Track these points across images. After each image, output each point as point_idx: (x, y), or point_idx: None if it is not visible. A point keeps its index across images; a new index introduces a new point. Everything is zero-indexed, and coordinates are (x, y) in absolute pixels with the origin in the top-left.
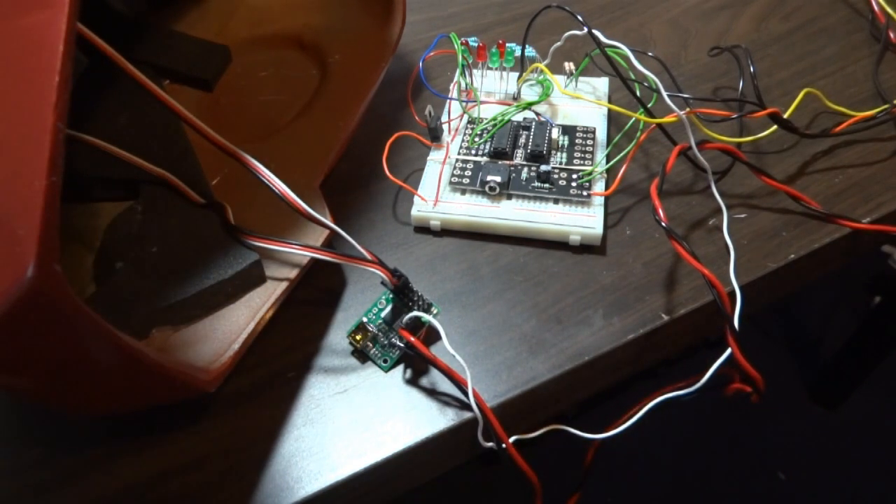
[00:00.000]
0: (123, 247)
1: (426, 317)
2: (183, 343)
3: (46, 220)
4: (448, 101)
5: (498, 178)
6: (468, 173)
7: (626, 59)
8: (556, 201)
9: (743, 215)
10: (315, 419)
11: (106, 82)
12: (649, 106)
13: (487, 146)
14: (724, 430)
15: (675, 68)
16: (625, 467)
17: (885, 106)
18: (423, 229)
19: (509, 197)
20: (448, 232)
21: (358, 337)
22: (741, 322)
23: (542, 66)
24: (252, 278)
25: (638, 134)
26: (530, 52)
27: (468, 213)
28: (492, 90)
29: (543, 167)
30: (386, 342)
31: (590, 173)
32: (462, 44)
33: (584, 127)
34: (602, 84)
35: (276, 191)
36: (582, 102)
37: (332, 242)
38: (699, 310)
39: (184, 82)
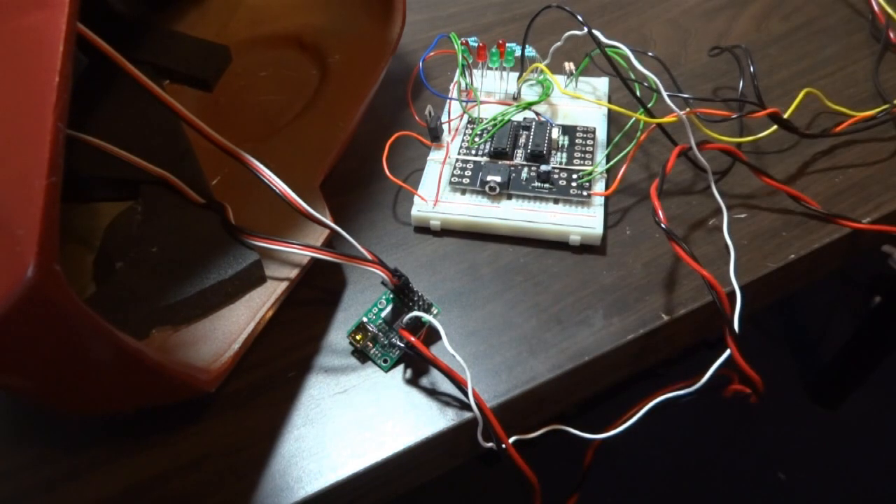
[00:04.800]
0: (123, 247)
1: (426, 317)
2: (183, 343)
3: (46, 220)
4: (448, 101)
5: (498, 178)
6: (468, 173)
7: (626, 59)
8: (556, 201)
9: (743, 215)
10: (315, 419)
11: (106, 82)
12: (649, 106)
13: (487, 146)
14: (724, 430)
15: (675, 68)
16: (625, 467)
17: (885, 106)
18: (423, 229)
19: (509, 197)
20: (448, 232)
21: (358, 337)
22: (741, 322)
23: (542, 66)
24: (252, 278)
25: (638, 134)
26: (530, 52)
27: (468, 213)
28: (492, 90)
29: (543, 167)
30: (386, 342)
31: (590, 173)
32: (462, 44)
33: (584, 127)
34: (602, 84)
35: (277, 190)
36: (582, 102)
37: (332, 242)
38: (699, 310)
39: (184, 82)
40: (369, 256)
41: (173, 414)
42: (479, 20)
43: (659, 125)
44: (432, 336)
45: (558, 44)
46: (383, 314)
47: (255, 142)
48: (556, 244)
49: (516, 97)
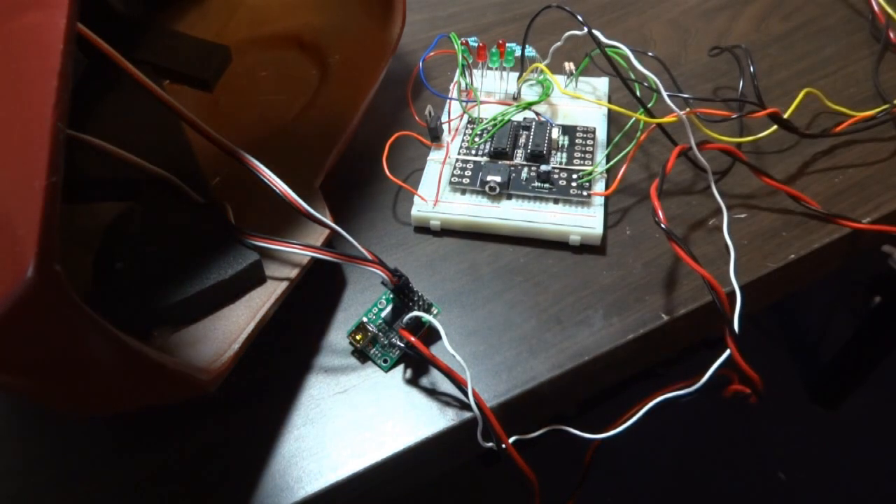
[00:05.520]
0: (123, 247)
1: (426, 317)
2: (183, 343)
3: (46, 221)
4: (448, 101)
5: (498, 178)
6: (468, 173)
7: (626, 59)
8: (556, 201)
9: (743, 215)
10: (315, 419)
11: (106, 82)
12: (649, 106)
13: (487, 146)
14: (724, 430)
15: (675, 68)
16: (624, 467)
17: (885, 106)
18: (423, 229)
19: (509, 197)
20: (448, 232)
21: (358, 337)
22: (741, 322)
23: (542, 66)
24: (252, 278)
25: (638, 134)
26: (530, 52)
27: (468, 213)
28: (492, 90)
29: (543, 167)
30: (386, 342)
31: (590, 173)
32: (462, 44)
33: (584, 127)
34: (602, 84)
35: (277, 190)
36: (582, 102)
37: (332, 242)
38: (699, 310)
39: (184, 82)
40: (369, 256)
41: (173, 414)
42: (479, 20)
43: (659, 125)
44: (432, 336)
45: (558, 44)
46: (383, 314)
47: (255, 142)
48: (556, 244)
49: (516, 97)
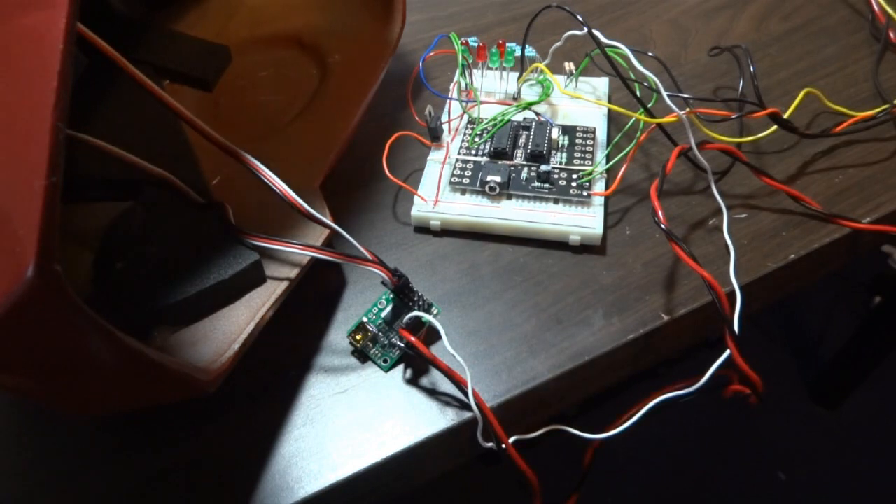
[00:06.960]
0: (123, 247)
1: (426, 317)
2: (183, 343)
3: (46, 220)
4: (448, 101)
5: (498, 178)
6: (468, 173)
7: (626, 59)
8: (556, 201)
9: (743, 215)
10: (315, 419)
11: (106, 82)
12: (649, 106)
13: (487, 146)
14: (724, 430)
15: (675, 68)
16: (624, 467)
17: (885, 106)
18: (423, 229)
19: (509, 197)
20: (448, 232)
21: (358, 337)
22: (741, 322)
23: (542, 66)
24: (252, 278)
25: (638, 134)
26: (530, 52)
27: (468, 213)
28: (492, 90)
29: (543, 167)
30: (386, 342)
31: (590, 173)
32: (462, 44)
33: (584, 127)
34: (602, 84)
35: (277, 190)
36: (582, 102)
37: (332, 242)
38: (699, 310)
39: (184, 82)
40: (369, 256)
41: (174, 414)
42: (479, 20)
43: (659, 125)
44: (432, 336)
45: (558, 44)
46: (383, 314)
47: (255, 142)
48: (556, 244)
49: (516, 97)
